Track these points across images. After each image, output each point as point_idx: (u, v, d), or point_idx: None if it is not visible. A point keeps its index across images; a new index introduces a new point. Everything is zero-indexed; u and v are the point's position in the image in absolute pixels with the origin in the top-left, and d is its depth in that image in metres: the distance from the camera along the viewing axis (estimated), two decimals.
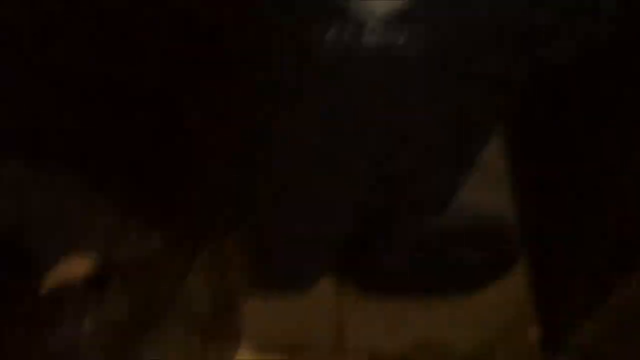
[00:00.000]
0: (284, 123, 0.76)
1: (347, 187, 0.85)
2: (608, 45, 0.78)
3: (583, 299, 0.94)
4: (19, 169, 0.79)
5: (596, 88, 0.90)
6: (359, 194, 0.86)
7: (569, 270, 0.97)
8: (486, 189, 1.01)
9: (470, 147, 0.88)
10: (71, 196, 0.80)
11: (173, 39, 0.74)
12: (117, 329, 0.76)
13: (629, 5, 0.75)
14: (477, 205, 0.97)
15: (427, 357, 1.03)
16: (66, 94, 0.79)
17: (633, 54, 0.82)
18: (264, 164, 0.81)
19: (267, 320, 0.96)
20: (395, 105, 0.76)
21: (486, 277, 1.02)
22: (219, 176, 0.82)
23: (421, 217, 0.93)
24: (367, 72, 0.71)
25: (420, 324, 1.01)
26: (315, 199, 0.84)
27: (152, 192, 0.80)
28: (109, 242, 0.78)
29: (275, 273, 0.93)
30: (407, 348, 1.02)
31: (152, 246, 0.78)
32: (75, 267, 0.77)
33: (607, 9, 0.74)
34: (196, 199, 0.81)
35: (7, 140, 0.79)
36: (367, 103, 0.75)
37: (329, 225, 0.89)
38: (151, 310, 0.78)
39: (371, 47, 0.68)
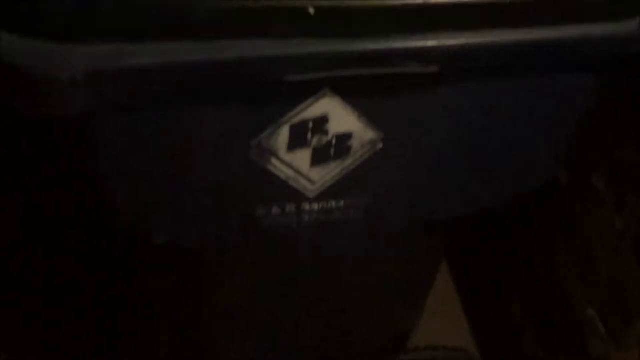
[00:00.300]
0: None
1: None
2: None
3: None
4: None
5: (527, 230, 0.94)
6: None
7: None
8: (443, 320, 1.03)
9: (419, 288, 0.91)
10: None
11: None
12: None
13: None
14: (436, 338, 0.99)
15: None
16: None
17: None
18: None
19: None
20: (339, 266, 0.80)
21: None
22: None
23: (382, 356, 0.95)
24: (310, 242, 0.74)
25: None
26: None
27: None
28: None
29: None
30: None
31: None
32: None
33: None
34: None
35: None
36: (314, 267, 0.78)
37: None
38: None
39: (312, 219, 0.71)
